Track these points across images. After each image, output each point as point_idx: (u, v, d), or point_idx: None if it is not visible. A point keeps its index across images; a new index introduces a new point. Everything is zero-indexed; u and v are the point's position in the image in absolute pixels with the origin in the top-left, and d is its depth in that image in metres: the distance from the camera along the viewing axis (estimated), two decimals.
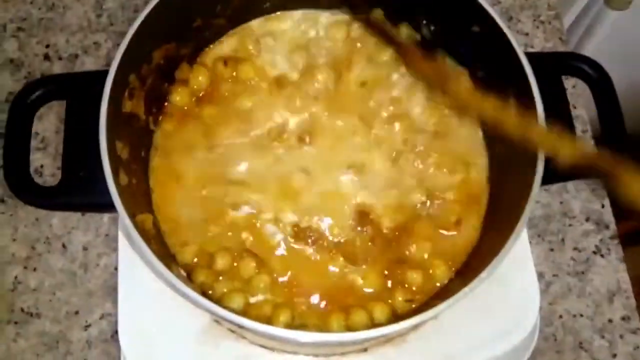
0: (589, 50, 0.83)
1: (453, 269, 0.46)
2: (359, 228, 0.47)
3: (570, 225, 0.58)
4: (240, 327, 0.44)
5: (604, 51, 0.81)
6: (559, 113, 0.44)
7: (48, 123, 0.59)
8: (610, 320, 0.55)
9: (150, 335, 0.47)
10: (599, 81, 0.45)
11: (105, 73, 0.40)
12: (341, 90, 0.51)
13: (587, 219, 0.59)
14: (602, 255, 0.58)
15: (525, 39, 0.66)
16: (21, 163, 0.41)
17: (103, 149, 0.38)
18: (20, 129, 0.42)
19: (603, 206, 0.59)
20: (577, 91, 0.63)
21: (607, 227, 0.59)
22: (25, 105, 0.42)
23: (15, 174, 0.40)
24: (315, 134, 0.49)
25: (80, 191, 0.41)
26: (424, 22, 0.50)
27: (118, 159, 0.40)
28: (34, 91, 0.42)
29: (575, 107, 0.62)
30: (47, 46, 0.63)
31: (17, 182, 0.40)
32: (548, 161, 0.40)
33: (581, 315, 0.55)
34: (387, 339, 0.47)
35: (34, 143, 0.58)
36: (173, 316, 0.47)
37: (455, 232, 0.47)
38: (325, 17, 0.53)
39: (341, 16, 0.53)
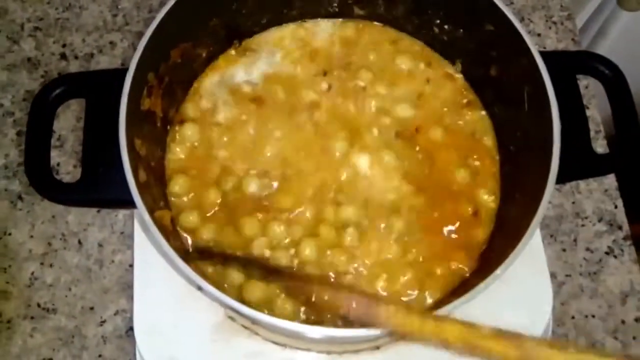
0: (602, 51, 0.83)
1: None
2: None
3: (582, 225, 0.58)
4: (254, 321, 0.45)
5: (616, 52, 0.81)
6: (574, 112, 0.44)
7: (65, 121, 0.60)
8: (623, 322, 0.55)
9: (165, 331, 0.47)
10: (614, 80, 0.45)
11: (124, 71, 0.41)
12: None
13: (600, 220, 0.59)
14: (614, 256, 0.58)
15: (537, 39, 0.66)
16: (42, 160, 0.42)
17: (123, 145, 0.39)
18: (41, 127, 0.42)
19: (616, 207, 0.59)
20: (589, 92, 0.63)
21: (619, 227, 0.58)
22: (46, 102, 0.43)
23: (37, 171, 0.41)
24: None
25: (100, 187, 0.41)
26: (438, 21, 0.51)
27: (137, 156, 0.41)
28: (54, 89, 0.43)
29: (588, 108, 0.63)
30: (64, 45, 0.64)
31: (39, 178, 0.41)
32: (562, 159, 0.40)
33: (593, 316, 0.55)
34: (400, 336, 0.48)
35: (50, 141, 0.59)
36: (187, 313, 0.48)
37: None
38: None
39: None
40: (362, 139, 0.50)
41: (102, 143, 0.41)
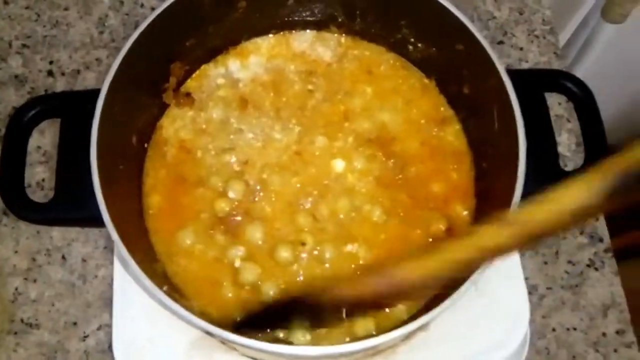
0: (587, 64, 0.83)
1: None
2: None
3: (564, 238, 0.59)
4: (229, 341, 0.45)
5: (602, 65, 0.81)
6: (542, 130, 0.45)
7: (50, 137, 0.60)
8: (604, 334, 0.55)
9: (144, 347, 0.47)
10: (582, 98, 0.45)
11: (97, 92, 0.42)
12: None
13: (581, 232, 0.59)
14: (596, 269, 0.58)
15: (519, 53, 0.67)
16: (16, 179, 0.42)
17: (94, 165, 0.39)
18: (16, 147, 0.43)
19: (597, 219, 0.59)
20: (570, 105, 0.63)
21: (601, 240, 0.59)
22: (21, 123, 0.43)
23: (10, 190, 0.42)
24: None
25: (72, 206, 0.42)
26: (412, 40, 0.51)
27: (110, 176, 0.42)
28: (30, 110, 0.44)
29: (569, 121, 0.63)
30: (51, 62, 0.65)
31: (12, 197, 0.42)
32: (528, 176, 0.40)
33: (575, 329, 0.55)
34: (376, 351, 0.48)
35: (36, 157, 0.60)
36: (166, 328, 0.48)
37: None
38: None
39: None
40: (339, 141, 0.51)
41: (76, 163, 0.42)
